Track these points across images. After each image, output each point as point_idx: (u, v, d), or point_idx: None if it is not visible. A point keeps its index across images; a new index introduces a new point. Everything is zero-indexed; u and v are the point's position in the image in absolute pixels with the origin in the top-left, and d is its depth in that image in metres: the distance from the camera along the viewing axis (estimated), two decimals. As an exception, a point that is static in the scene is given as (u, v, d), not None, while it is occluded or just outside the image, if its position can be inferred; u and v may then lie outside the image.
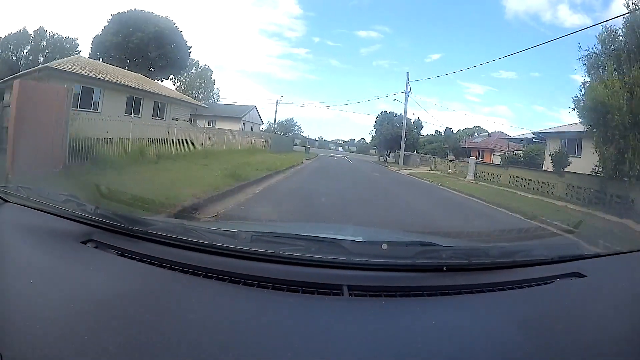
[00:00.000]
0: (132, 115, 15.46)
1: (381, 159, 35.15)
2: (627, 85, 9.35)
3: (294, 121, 42.55)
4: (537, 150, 19.12)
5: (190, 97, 24.05)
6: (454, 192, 12.83)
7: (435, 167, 26.92)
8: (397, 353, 0.81)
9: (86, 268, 1.03)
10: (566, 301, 1.14)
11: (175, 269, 1.06)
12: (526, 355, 0.84)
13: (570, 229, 4.59)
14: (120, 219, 1.23)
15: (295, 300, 0.97)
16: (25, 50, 28.26)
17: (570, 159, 13.81)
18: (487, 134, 34.76)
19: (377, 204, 8.47)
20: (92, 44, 26.42)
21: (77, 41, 30.53)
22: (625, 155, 9.26)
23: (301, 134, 43.95)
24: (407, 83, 26.52)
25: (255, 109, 34.35)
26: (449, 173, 22.10)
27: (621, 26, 10.03)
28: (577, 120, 11.46)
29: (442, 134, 37.74)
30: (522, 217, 8.06)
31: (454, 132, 38.16)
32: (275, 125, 37.02)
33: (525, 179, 15.59)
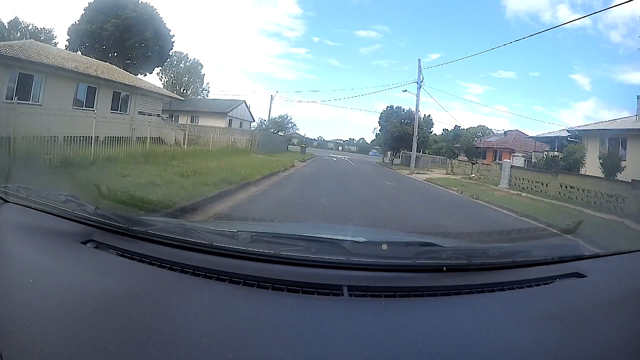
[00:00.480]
0: (85, 108, 12.74)
1: (386, 160, 31.34)
2: None
3: (289, 118, 36.99)
4: (577, 151, 15.28)
5: (165, 90, 21.07)
6: (503, 211, 8.86)
7: (452, 170, 23.09)
8: (397, 353, 0.81)
9: (86, 268, 1.03)
10: (566, 301, 1.14)
11: (175, 269, 1.06)
12: (526, 355, 0.84)
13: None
14: (120, 219, 1.23)
15: (295, 301, 0.97)
16: (-4, 43, 25.76)
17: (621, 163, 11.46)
18: (502, 132, 30.19)
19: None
20: (68, 34, 23.69)
21: (54, 32, 28.92)
22: None
23: (297, 132, 39.27)
24: (419, 71, 22.16)
25: (244, 104, 30.21)
26: (472, 178, 18.02)
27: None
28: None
29: (450, 132, 33.92)
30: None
31: (462, 130, 33.06)
32: (267, 123, 33.22)
33: (582, 190, 11.70)
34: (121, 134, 10.34)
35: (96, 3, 22.77)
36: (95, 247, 1.15)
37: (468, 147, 29.00)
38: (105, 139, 9.39)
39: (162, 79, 31.49)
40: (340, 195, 8.61)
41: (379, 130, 31.57)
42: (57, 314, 0.82)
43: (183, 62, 32.47)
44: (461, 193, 11.96)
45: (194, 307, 0.90)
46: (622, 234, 6.90)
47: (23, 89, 11.00)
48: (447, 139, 33.46)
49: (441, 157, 29.82)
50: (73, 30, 23.42)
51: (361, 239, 1.50)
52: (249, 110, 31.29)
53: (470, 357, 0.83)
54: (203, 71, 34.25)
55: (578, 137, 16.52)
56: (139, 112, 15.77)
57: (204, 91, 34.49)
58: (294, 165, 15.45)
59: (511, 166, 16.03)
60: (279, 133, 33.29)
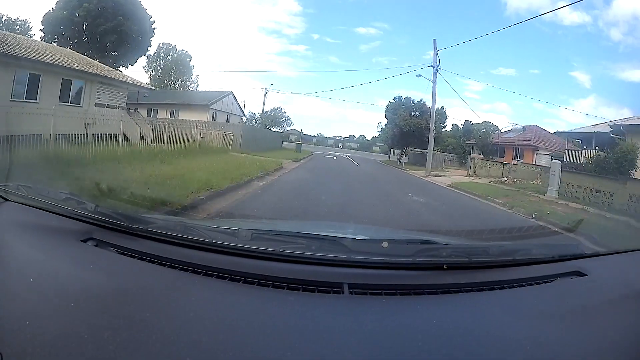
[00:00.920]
0: (26, 100, 10.67)
1: (392, 158, 27.45)
2: None
3: (282, 111, 31.82)
4: (631, 151, 11.84)
5: (131, 77, 17.02)
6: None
7: (474, 171, 19.00)
8: (398, 351, 0.81)
9: (86, 266, 1.03)
10: (567, 300, 1.14)
11: (175, 267, 1.06)
12: (527, 353, 0.84)
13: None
14: (120, 217, 1.23)
15: (295, 299, 0.97)
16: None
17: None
18: (521, 127, 25.92)
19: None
20: (42, 24, 20.61)
21: (29, 22, 25.16)
22: None
23: (293, 128, 34.42)
24: (435, 54, 17.94)
25: (232, 97, 26.22)
26: (505, 183, 14.80)
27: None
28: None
29: (459, 128, 28.61)
30: None
31: (473, 125, 27.99)
32: (258, 117, 29.11)
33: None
34: (72, 131, 8.52)
35: (69, -13, 19.17)
36: (96, 245, 1.15)
37: (484, 143, 24.89)
38: (56, 137, 7.99)
39: (149, 72, 28.12)
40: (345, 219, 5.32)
41: (384, 125, 26.80)
42: (57, 312, 0.82)
43: (171, 54, 28.63)
44: (511, 209, 8.51)
45: (194, 305, 0.90)
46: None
47: None
48: (457, 134, 28.74)
49: (450, 154, 26.37)
50: (47, 19, 20.54)
51: (362, 237, 1.50)
52: (237, 103, 27.32)
53: (470, 355, 0.83)
54: (192, 63, 30.46)
55: (622, 132, 13.73)
56: (95, 103, 13.02)
57: (192, 84, 30.58)
58: (281, 168, 12.06)
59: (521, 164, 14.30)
60: (273, 129, 29.49)
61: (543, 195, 11.35)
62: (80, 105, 12.64)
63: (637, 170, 11.50)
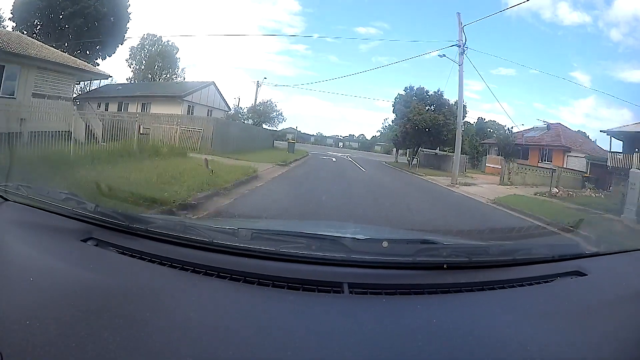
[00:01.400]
0: None
1: (400, 159, 24.16)
2: None
3: (273, 105, 25.91)
4: None
5: (79, 61, 13.66)
6: None
7: (508, 178, 15.81)
8: (398, 351, 0.81)
9: (86, 266, 1.03)
10: (567, 299, 1.14)
11: (175, 267, 1.06)
12: (527, 352, 0.84)
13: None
14: (120, 216, 1.23)
15: (295, 298, 0.97)
16: None
17: None
18: (545, 125, 22.20)
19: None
20: (11, 13, 19.28)
21: (1, 12, 22.59)
22: None
23: (283, 122, 28.09)
24: (461, 30, 14.20)
25: (213, 87, 22.54)
26: (557, 196, 12.02)
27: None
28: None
29: (472, 125, 25.22)
30: None
31: (487, 123, 25.78)
32: (243, 111, 24.99)
33: None
34: (1, 129, 7.03)
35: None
36: (96, 245, 1.15)
37: (505, 143, 21.26)
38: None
39: (131, 65, 25.84)
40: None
41: (392, 121, 22.92)
42: (57, 312, 0.81)
43: (156, 45, 25.96)
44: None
45: (194, 305, 0.90)
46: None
47: None
48: (469, 133, 24.80)
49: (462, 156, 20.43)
50: (16, 7, 19.01)
51: (362, 237, 1.50)
52: (221, 95, 23.40)
53: (470, 354, 0.83)
54: (178, 55, 27.48)
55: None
56: (33, 94, 10.89)
57: (178, 77, 27.67)
58: (253, 179, 8.44)
59: (552, 169, 11.88)
60: (264, 125, 25.07)
61: (619, 217, 8.32)
62: (14, 96, 10.48)
63: None
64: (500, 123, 25.49)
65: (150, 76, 25.58)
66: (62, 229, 1.20)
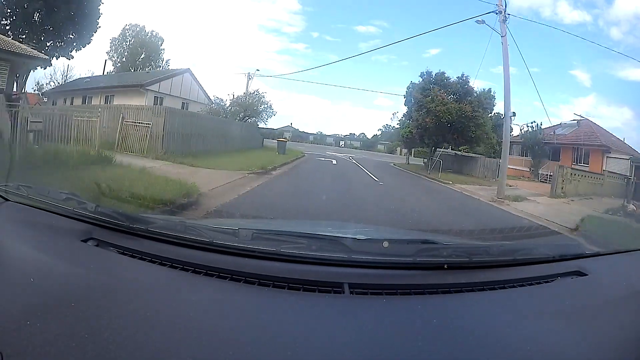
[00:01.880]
0: None
1: (411, 161, 20.06)
2: None
3: (261, 96, 20.71)
4: None
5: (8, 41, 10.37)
6: None
7: (562, 187, 11.68)
8: (399, 351, 0.80)
9: (87, 266, 1.03)
10: (567, 299, 1.14)
11: (176, 267, 1.06)
12: (527, 353, 0.84)
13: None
14: (120, 217, 1.23)
15: (296, 298, 0.97)
16: None
17: None
18: (575, 121, 18.72)
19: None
20: None
21: None
22: None
23: (273, 116, 22.28)
24: None
25: (189, 75, 18.90)
26: (635, 214, 9.45)
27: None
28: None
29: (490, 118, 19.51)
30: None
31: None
32: (225, 103, 19.87)
33: None
34: None
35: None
36: (96, 245, 1.15)
37: (534, 142, 17.39)
38: None
39: (113, 58, 22.43)
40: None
41: (403, 115, 18.73)
42: (57, 312, 0.81)
43: (140, 36, 22.82)
44: None
45: (194, 305, 0.90)
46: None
47: None
48: (485, 129, 19.57)
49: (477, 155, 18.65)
50: None
51: (362, 237, 1.50)
52: (200, 86, 19.54)
53: (471, 354, 0.83)
54: (163, 46, 23.49)
55: None
56: None
57: (160, 69, 24.41)
58: (189, 206, 5.02)
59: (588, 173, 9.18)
60: (249, 120, 20.20)
61: None
62: None
63: None
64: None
65: (132, 69, 22.56)
66: (63, 229, 1.20)
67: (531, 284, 1.18)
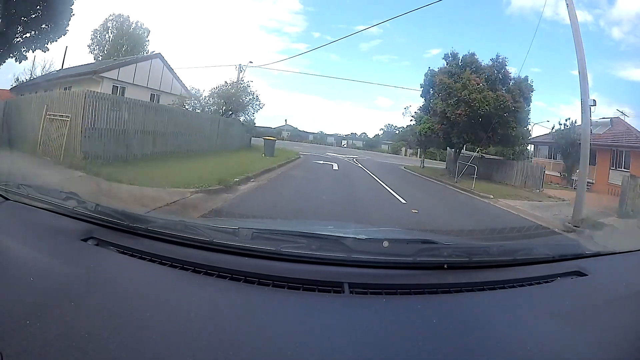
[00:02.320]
0: None
1: (425, 165, 17.30)
2: None
3: (247, 86, 16.37)
4: None
5: None
6: None
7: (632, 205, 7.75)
8: (398, 351, 0.81)
9: (87, 265, 1.03)
10: (567, 299, 1.14)
11: (175, 266, 1.06)
12: (527, 352, 0.84)
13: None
14: (120, 216, 1.23)
15: (296, 298, 0.97)
16: None
17: None
18: (608, 119, 15.96)
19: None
20: None
21: None
22: None
23: (260, 109, 17.97)
24: None
25: (160, 61, 15.53)
26: None
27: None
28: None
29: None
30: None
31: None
32: (203, 96, 15.83)
33: None
34: None
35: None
36: (96, 244, 1.15)
37: (568, 142, 13.99)
38: None
39: (95, 50, 20.26)
40: None
41: (418, 109, 15.48)
42: (57, 311, 0.81)
43: (124, 27, 20.35)
44: None
45: (194, 304, 0.90)
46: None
47: None
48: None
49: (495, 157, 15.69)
50: None
51: (362, 236, 1.50)
52: (174, 75, 15.96)
53: (471, 354, 0.83)
54: (149, 37, 20.50)
55: None
56: None
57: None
58: None
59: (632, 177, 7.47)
60: (233, 115, 16.29)
61: None
62: None
63: None
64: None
65: (114, 61, 19.55)
66: (63, 229, 1.20)
67: (531, 284, 1.18)
